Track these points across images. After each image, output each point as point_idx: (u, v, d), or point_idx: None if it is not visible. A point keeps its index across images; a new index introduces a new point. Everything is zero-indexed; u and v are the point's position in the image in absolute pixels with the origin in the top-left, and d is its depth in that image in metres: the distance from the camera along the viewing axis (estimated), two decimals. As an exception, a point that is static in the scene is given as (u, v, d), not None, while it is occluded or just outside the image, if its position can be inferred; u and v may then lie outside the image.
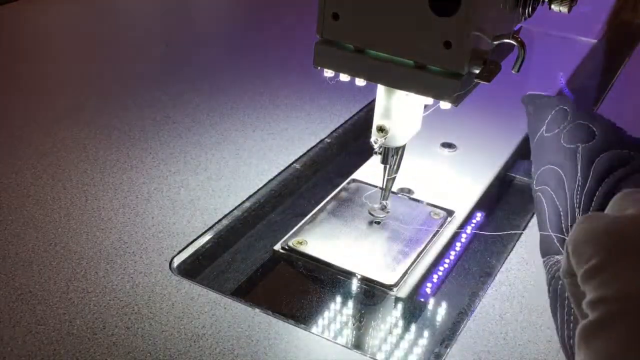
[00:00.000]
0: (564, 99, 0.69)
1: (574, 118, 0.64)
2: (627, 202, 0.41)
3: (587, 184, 0.57)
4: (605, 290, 0.36)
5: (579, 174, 0.58)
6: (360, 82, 0.54)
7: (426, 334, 0.56)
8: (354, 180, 0.71)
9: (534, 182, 0.64)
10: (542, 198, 0.61)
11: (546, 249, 0.58)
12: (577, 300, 0.40)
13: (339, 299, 0.58)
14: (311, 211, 0.67)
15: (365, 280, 0.59)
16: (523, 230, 0.65)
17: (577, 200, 0.57)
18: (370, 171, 0.72)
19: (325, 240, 0.63)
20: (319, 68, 0.53)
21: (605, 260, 0.36)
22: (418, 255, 0.62)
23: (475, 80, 0.51)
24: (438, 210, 0.67)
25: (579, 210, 0.57)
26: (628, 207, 0.40)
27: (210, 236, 0.63)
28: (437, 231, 0.65)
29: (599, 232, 0.38)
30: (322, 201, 0.68)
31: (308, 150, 0.76)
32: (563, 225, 0.57)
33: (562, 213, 0.58)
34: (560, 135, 0.63)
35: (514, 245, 0.63)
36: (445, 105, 0.52)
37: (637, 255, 0.36)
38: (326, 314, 0.57)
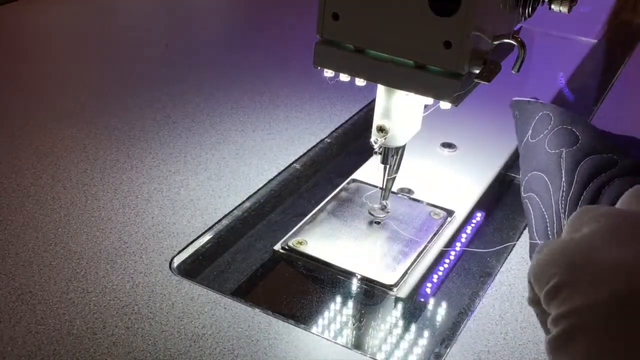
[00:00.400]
0: (547, 104, 0.69)
1: (557, 123, 0.64)
2: (584, 219, 0.41)
3: (572, 189, 0.57)
4: (566, 306, 0.37)
5: (563, 179, 0.58)
6: (360, 82, 0.54)
7: (426, 334, 0.56)
8: (354, 180, 0.71)
9: (522, 189, 0.64)
10: (529, 205, 0.61)
11: None
12: (546, 327, 0.41)
13: (339, 299, 0.58)
14: (311, 211, 0.67)
15: (365, 280, 0.59)
16: (521, 232, 0.65)
17: (562, 206, 0.57)
18: (370, 171, 0.72)
19: (325, 240, 0.63)
20: (319, 68, 0.53)
21: (564, 279, 0.38)
22: (418, 255, 0.62)
23: (475, 80, 0.51)
24: (438, 210, 0.67)
25: (565, 216, 0.57)
26: (583, 225, 0.41)
27: (210, 236, 0.63)
28: (437, 231, 0.65)
29: (556, 254, 0.39)
30: (322, 201, 0.68)
31: (308, 150, 0.76)
32: (549, 232, 0.57)
33: (548, 220, 0.58)
34: (544, 141, 0.63)
35: (514, 246, 0.63)
36: (445, 105, 0.52)
37: (593, 269, 0.37)
38: (326, 314, 0.57)
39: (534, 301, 0.42)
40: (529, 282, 0.42)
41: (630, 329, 0.35)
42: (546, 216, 0.58)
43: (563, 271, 0.38)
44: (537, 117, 0.67)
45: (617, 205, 0.46)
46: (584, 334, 0.36)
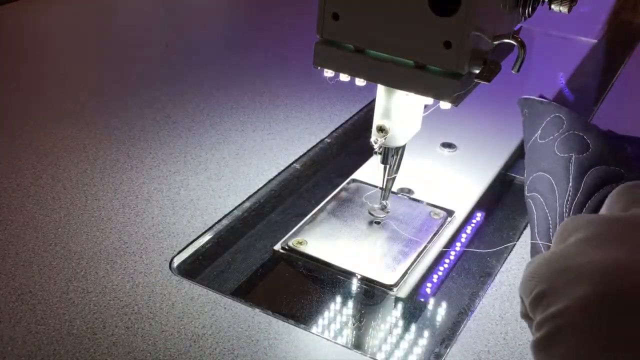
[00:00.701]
0: (560, 106, 0.69)
1: (569, 127, 0.64)
2: (569, 228, 0.43)
3: (577, 196, 0.57)
4: (548, 310, 0.37)
5: (570, 184, 0.58)
6: (360, 82, 0.54)
7: (426, 334, 0.56)
8: (354, 180, 0.71)
9: (526, 188, 0.64)
10: (532, 205, 0.61)
11: None
12: None
13: (339, 299, 0.58)
14: (311, 211, 0.67)
15: (365, 280, 0.59)
16: (521, 232, 0.65)
17: (567, 210, 0.57)
18: (370, 171, 0.72)
19: (325, 240, 0.63)
20: (319, 68, 0.53)
21: (546, 286, 0.39)
22: (418, 255, 0.62)
23: (475, 80, 0.51)
24: (438, 210, 0.67)
25: None
26: (569, 235, 0.42)
27: (210, 236, 0.63)
28: (437, 231, 0.65)
29: (538, 267, 0.41)
30: (322, 201, 0.68)
31: (308, 150, 0.76)
32: (551, 234, 0.57)
33: (550, 222, 0.58)
34: (554, 143, 0.63)
35: (514, 246, 0.63)
36: (445, 105, 0.52)
37: (572, 273, 0.38)
38: (326, 314, 0.57)
39: (525, 315, 0.43)
40: (520, 297, 0.43)
41: (610, 327, 0.35)
42: (549, 218, 0.58)
43: (545, 280, 0.39)
44: (548, 119, 0.67)
45: (605, 203, 0.47)
46: (566, 333, 0.37)
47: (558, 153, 0.62)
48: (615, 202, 0.46)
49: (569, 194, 0.58)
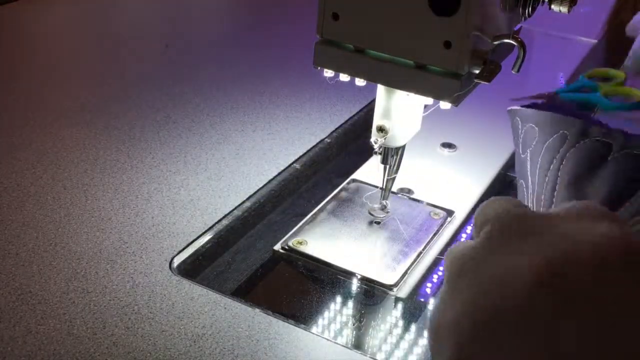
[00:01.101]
0: (519, 108, 0.67)
1: (523, 126, 0.63)
2: (447, 261, 0.39)
3: (535, 188, 0.56)
4: None
5: (529, 181, 0.58)
6: (360, 82, 0.54)
7: (426, 334, 0.56)
8: (354, 180, 0.71)
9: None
10: None
11: None
12: None
13: (339, 299, 0.58)
14: (311, 211, 0.67)
15: (365, 280, 0.59)
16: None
17: (532, 207, 0.56)
18: (370, 171, 0.72)
19: (325, 240, 0.63)
20: (319, 68, 0.53)
21: (431, 351, 0.36)
22: (418, 255, 0.62)
23: (475, 80, 0.51)
24: (438, 210, 0.67)
25: None
26: (448, 269, 0.39)
27: (210, 236, 0.63)
28: (437, 231, 0.65)
29: (429, 320, 0.38)
30: (322, 201, 0.68)
31: (308, 150, 0.76)
32: None
33: None
34: (519, 148, 0.63)
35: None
36: (445, 105, 0.52)
37: (440, 337, 0.35)
38: (326, 314, 0.57)
39: None
40: None
41: None
42: None
43: (430, 345, 0.37)
44: (511, 124, 0.66)
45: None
46: None
47: (522, 155, 0.61)
48: (475, 228, 0.43)
49: (530, 192, 0.57)
